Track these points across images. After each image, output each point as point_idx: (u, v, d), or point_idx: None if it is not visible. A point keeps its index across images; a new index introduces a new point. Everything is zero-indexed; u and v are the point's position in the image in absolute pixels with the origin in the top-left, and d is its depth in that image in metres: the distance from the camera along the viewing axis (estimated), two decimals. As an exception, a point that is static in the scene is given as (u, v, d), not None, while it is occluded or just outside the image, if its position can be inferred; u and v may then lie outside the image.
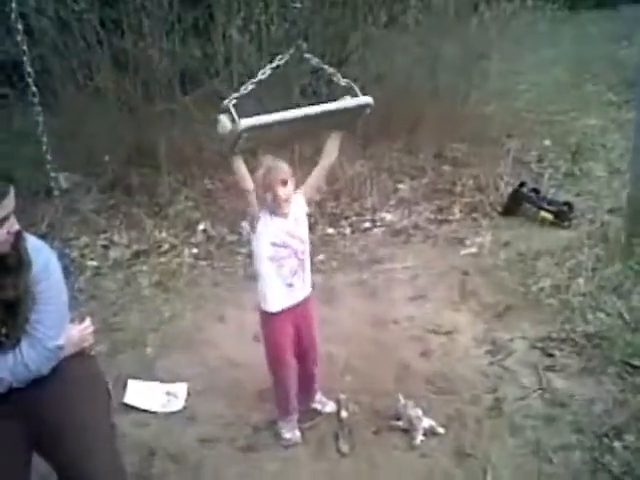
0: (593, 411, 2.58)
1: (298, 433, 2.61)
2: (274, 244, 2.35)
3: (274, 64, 2.20)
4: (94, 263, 4.18)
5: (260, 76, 2.15)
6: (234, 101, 2.05)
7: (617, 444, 2.38)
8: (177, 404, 2.87)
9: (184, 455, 2.56)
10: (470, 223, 4.46)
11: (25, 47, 2.21)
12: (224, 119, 2.03)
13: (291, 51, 2.24)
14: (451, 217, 4.55)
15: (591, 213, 4.38)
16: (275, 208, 2.31)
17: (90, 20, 4.80)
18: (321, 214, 4.65)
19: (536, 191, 4.53)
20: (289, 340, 2.50)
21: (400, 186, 5.06)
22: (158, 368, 3.11)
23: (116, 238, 4.45)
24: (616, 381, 2.74)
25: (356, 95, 2.27)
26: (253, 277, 2.51)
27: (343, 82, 2.29)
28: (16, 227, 1.73)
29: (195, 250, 4.30)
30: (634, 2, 9.93)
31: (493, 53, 5.85)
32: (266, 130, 2.12)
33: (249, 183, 2.18)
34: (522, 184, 4.60)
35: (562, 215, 4.26)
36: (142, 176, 5.17)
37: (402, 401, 2.64)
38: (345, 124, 2.42)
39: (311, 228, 4.32)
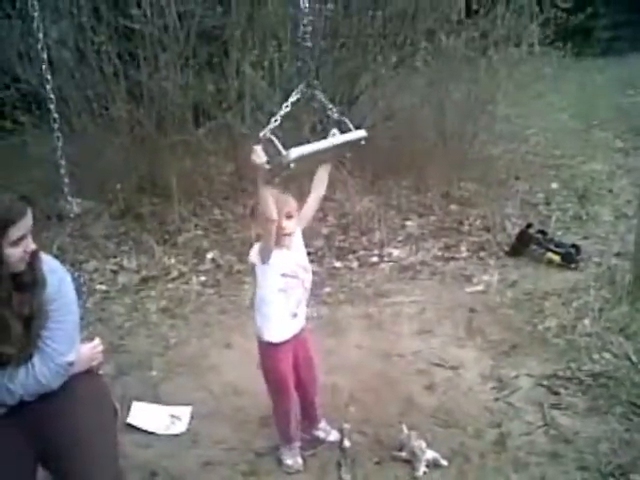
0: (598, 449, 2.55)
1: (300, 460, 2.60)
2: (285, 275, 2.37)
3: (294, 97, 2.28)
4: (103, 287, 4.22)
5: (285, 109, 2.23)
6: (269, 133, 2.10)
7: (623, 484, 2.36)
8: (180, 427, 2.86)
9: (185, 478, 2.55)
10: (477, 261, 4.47)
11: (49, 77, 2.30)
12: (259, 150, 2.08)
13: (302, 85, 2.32)
14: (458, 255, 4.58)
15: (598, 256, 4.39)
16: (277, 240, 2.32)
17: (108, 52, 4.93)
18: (329, 247, 4.69)
19: (543, 233, 4.56)
20: (290, 369, 2.51)
21: (408, 223, 5.11)
22: (162, 391, 3.11)
23: (125, 263, 4.50)
24: (622, 421, 2.72)
25: (349, 129, 2.36)
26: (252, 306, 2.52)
27: (336, 116, 2.38)
28: (32, 247, 1.79)
29: (203, 278, 4.33)
30: (640, 50, 10.14)
31: (501, 97, 5.98)
32: (307, 160, 2.19)
33: (275, 213, 2.22)
34: (529, 225, 4.64)
35: (569, 257, 4.27)
36: (153, 205, 5.25)
37: (406, 432, 2.62)
38: (340, 156, 2.52)
39: (319, 261, 4.46)
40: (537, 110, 7.62)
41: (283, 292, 2.38)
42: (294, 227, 2.38)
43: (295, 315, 2.45)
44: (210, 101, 5.27)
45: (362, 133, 2.39)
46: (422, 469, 2.50)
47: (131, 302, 4.04)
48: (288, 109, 2.22)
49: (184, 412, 2.94)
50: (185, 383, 3.18)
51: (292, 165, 2.06)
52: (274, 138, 2.08)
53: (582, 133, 7.56)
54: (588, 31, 10.79)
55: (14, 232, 1.70)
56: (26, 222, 1.74)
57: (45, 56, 2.21)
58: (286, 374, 2.49)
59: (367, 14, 5.42)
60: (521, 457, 2.56)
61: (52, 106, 2.21)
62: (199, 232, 4.98)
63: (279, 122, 2.17)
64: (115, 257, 4.60)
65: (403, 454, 2.58)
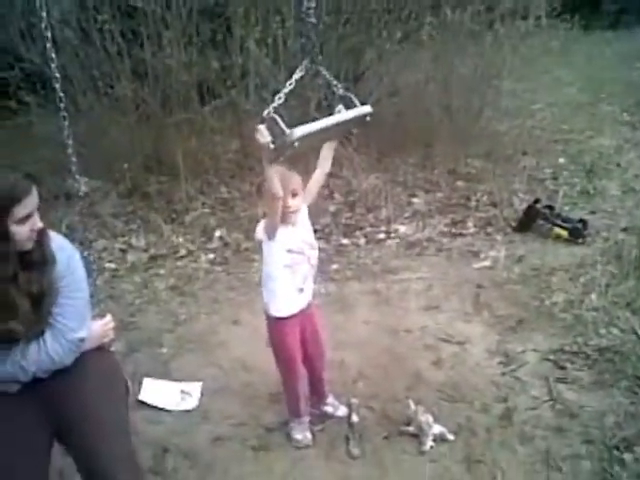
0: (604, 423, 2.58)
1: (309, 435, 2.64)
2: (291, 251, 2.38)
3: (298, 75, 2.25)
4: (112, 265, 4.25)
5: (289, 87, 2.20)
6: (273, 111, 2.09)
7: (627, 456, 2.39)
8: (191, 403, 2.91)
9: (196, 453, 2.60)
10: (484, 237, 4.48)
11: (53, 56, 2.29)
12: (263, 129, 2.07)
13: (306, 62, 2.29)
14: (465, 231, 4.58)
15: (605, 231, 4.39)
16: (282, 218, 2.33)
17: (111, 31, 4.90)
18: (336, 224, 4.70)
19: (550, 208, 4.55)
20: (298, 344, 2.54)
21: (414, 199, 5.11)
22: (173, 368, 3.16)
23: (134, 242, 4.52)
24: (627, 394, 2.74)
25: (355, 106, 2.33)
26: (260, 283, 2.54)
27: (341, 92, 2.35)
28: (39, 225, 1.79)
29: (211, 256, 4.36)
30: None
31: (507, 71, 5.92)
32: (312, 138, 2.17)
33: (280, 190, 2.22)
34: (536, 200, 4.62)
35: (576, 232, 4.27)
36: (160, 183, 5.26)
37: (413, 407, 2.65)
38: (346, 133, 2.48)
39: (326, 238, 4.47)
40: (544, 84, 7.56)
41: (289, 268, 2.39)
42: (299, 204, 2.38)
43: (301, 290, 2.46)
44: (214, 78, 5.25)
45: (368, 109, 2.37)
46: (429, 443, 2.54)
47: (140, 280, 4.07)
48: (292, 87, 2.20)
49: (194, 388, 2.99)
50: (195, 359, 3.22)
51: (296, 144, 2.06)
52: (277, 117, 2.06)
53: (589, 107, 7.50)
54: (596, 3, 10.65)
55: (19, 210, 1.70)
56: (32, 200, 1.74)
57: (49, 35, 2.19)
58: (294, 348, 2.52)
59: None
60: (527, 431, 2.59)
61: (57, 85, 2.20)
62: (206, 210, 5.00)
63: (283, 100, 2.15)
64: (123, 236, 4.63)
65: (410, 429, 2.62)
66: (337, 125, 2.28)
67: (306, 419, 2.66)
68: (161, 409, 2.87)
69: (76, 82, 5.14)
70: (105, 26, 4.85)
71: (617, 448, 2.43)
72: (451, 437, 2.58)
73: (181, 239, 4.57)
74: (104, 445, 1.90)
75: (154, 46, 5.07)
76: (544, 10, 5.88)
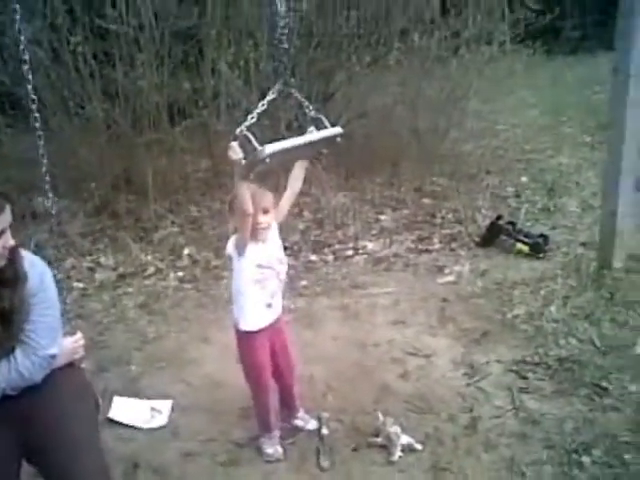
0: (564, 429, 2.67)
1: (280, 449, 2.66)
2: (260, 266, 2.44)
3: (270, 96, 2.35)
4: (80, 284, 4.24)
5: (261, 107, 2.30)
6: (245, 129, 2.16)
7: (586, 459, 2.47)
8: (161, 420, 2.91)
9: (167, 469, 2.60)
10: (449, 253, 4.60)
11: (30, 77, 2.32)
12: (236, 146, 2.15)
13: (279, 85, 2.39)
14: (431, 247, 4.69)
15: (565, 246, 4.55)
16: (253, 234, 2.39)
17: (84, 53, 4.93)
18: (305, 241, 4.77)
19: (512, 224, 4.70)
20: (267, 358, 2.58)
21: (382, 217, 5.22)
22: (142, 385, 3.16)
23: (102, 261, 4.52)
24: (586, 402, 2.84)
25: (326, 127, 2.42)
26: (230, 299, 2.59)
27: (313, 114, 2.44)
28: (11, 242, 1.80)
29: (180, 274, 4.38)
30: (609, 49, 10.40)
31: (472, 94, 6.12)
32: (283, 156, 2.26)
33: (251, 207, 2.29)
34: (499, 217, 4.77)
35: (537, 247, 4.42)
36: (128, 202, 5.29)
37: (381, 418, 2.70)
38: (317, 153, 2.56)
39: (295, 255, 4.54)
40: (508, 106, 7.82)
41: (259, 283, 2.45)
42: (270, 221, 2.45)
43: (270, 305, 2.52)
44: (186, 99, 5.31)
45: (338, 130, 2.47)
46: (397, 454, 2.59)
47: (109, 299, 4.07)
48: (264, 107, 2.29)
49: (164, 405, 2.99)
50: (164, 377, 3.23)
51: (267, 160, 2.14)
52: (250, 135, 2.15)
53: (551, 128, 7.76)
54: (557, 30, 11.03)
55: None
56: (5, 218, 1.76)
57: (27, 57, 2.23)
58: (263, 362, 2.56)
59: (341, 14, 5.51)
60: (492, 439, 2.66)
61: (34, 106, 2.23)
62: (175, 229, 5.03)
63: (255, 119, 2.24)
64: (92, 255, 4.62)
65: (379, 440, 2.67)
66: (308, 144, 2.37)
67: (277, 433, 2.69)
68: (131, 427, 2.87)
69: (47, 102, 5.14)
70: (78, 48, 4.87)
71: (576, 452, 2.51)
72: (419, 447, 2.63)
73: (150, 257, 4.58)
74: (77, 462, 1.90)
75: (126, 66, 5.11)
76: (508, 36, 6.12)
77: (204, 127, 5.47)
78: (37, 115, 2.18)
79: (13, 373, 1.84)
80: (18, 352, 1.86)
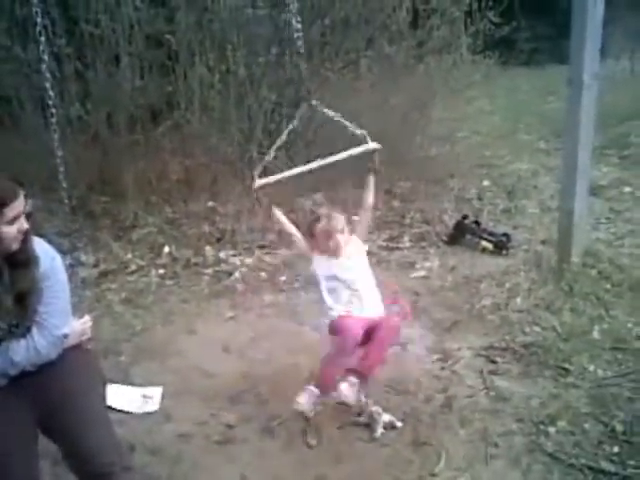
0: (531, 404, 2.92)
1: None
2: (327, 278, 2.75)
3: (289, 128, 2.66)
4: (63, 281, 4.29)
5: (279, 142, 2.60)
6: (260, 169, 2.68)
7: (551, 429, 2.72)
8: (153, 405, 3.04)
9: (162, 449, 2.74)
10: (419, 250, 4.85)
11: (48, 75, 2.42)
12: (256, 177, 2.72)
13: (303, 110, 2.66)
14: (401, 245, 4.94)
15: (526, 243, 4.85)
16: (335, 252, 2.73)
17: (69, 55, 5.01)
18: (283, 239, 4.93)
19: (477, 223, 4.98)
20: (358, 332, 2.62)
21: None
22: (133, 374, 3.28)
23: (83, 259, 4.60)
24: (550, 381, 3.09)
25: (366, 142, 2.77)
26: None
27: (358, 132, 2.78)
28: (25, 226, 1.92)
29: (162, 271, 4.50)
30: (559, 63, 10.92)
31: (437, 101, 6.41)
32: (278, 185, 2.70)
33: (292, 228, 2.55)
34: (465, 217, 5.05)
35: (501, 244, 4.70)
36: (104, 203, 5.35)
37: (364, 399, 2.90)
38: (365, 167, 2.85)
39: (273, 253, 4.68)
40: (469, 114, 8.12)
41: (331, 292, 2.76)
42: (346, 238, 2.76)
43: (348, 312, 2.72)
44: (162, 101, 5.42)
45: (374, 145, 2.70)
46: (380, 430, 2.80)
47: (93, 295, 4.16)
48: (282, 142, 2.67)
49: (155, 392, 3.12)
50: (154, 366, 3.36)
51: (260, 192, 2.69)
52: (255, 174, 2.70)
53: (509, 135, 8.14)
54: (512, 42, 11.49)
55: (9, 211, 1.83)
56: (19, 203, 1.87)
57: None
58: (353, 328, 2.63)
59: (315, 22, 5.71)
60: (466, 415, 2.88)
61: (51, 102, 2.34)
62: (153, 229, 5.12)
63: (272, 157, 2.65)
64: (72, 252, 4.67)
65: (362, 419, 2.87)
66: (306, 172, 2.71)
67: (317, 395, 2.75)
68: (125, 412, 2.98)
69: (23, 102, 5.19)
70: (61, 50, 4.94)
71: (543, 423, 2.76)
72: (399, 424, 2.84)
73: (130, 255, 4.68)
74: (88, 428, 2.05)
75: (105, 69, 5.20)
76: (465, 46, 6.43)
77: (181, 128, 5.59)
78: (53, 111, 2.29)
79: (32, 351, 1.97)
80: (35, 332, 1.99)
